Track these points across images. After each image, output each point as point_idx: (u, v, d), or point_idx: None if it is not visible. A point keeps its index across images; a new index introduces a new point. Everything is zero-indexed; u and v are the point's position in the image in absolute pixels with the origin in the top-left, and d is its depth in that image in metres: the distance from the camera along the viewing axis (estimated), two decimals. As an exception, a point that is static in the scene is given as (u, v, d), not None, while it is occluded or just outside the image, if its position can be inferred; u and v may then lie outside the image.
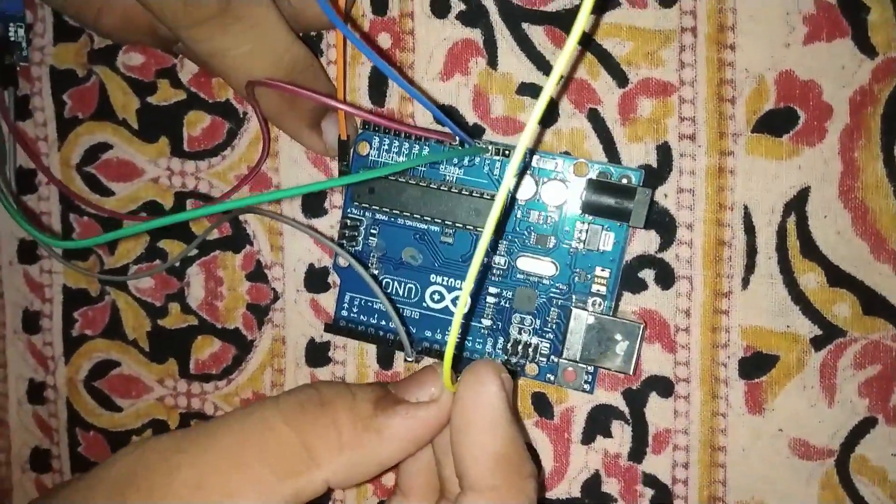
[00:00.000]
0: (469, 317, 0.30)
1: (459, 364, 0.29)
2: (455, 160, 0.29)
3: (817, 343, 0.28)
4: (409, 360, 0.27)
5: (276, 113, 0.29)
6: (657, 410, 0.29)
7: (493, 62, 0.29)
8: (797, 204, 0.28)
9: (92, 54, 0.33)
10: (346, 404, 0.23)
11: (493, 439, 0.22)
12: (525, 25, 0.29)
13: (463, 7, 0.29)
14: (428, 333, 0.30)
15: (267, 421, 0.22)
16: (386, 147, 0.30)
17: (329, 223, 0.31)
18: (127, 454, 0.22)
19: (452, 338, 0.20)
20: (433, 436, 0.24)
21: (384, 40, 0.30)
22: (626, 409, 0.30)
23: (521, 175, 0.29)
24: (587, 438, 0.30)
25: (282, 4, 0.27)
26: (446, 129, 0.27)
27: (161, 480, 0.21)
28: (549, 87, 0.16)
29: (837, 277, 0.28)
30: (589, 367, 0.29)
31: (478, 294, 0.30)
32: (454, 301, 0.30)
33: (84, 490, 0.22)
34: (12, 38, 0.33)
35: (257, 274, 0.32)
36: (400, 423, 0.23)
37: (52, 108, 0.34)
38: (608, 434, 0.30)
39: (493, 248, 0.29)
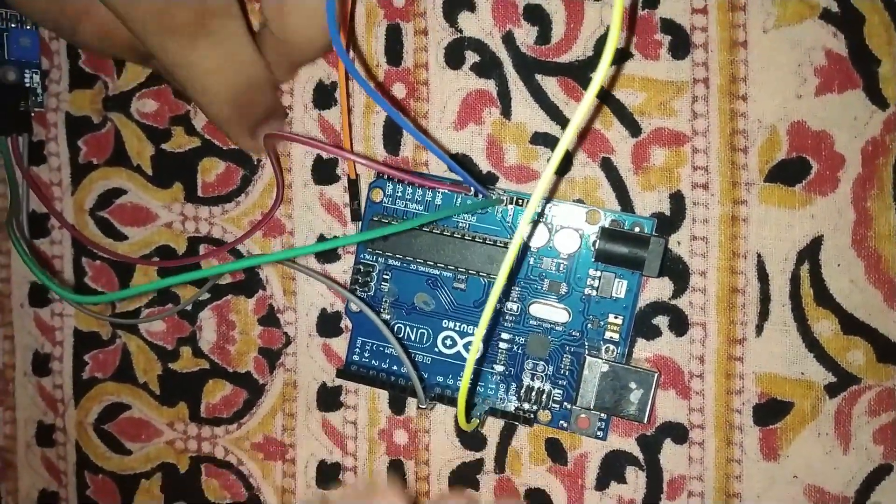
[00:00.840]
0: (481, 363, 0.30)
1: (472, 409, 0.29)
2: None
3: (832, 390, 0.28)
4: (423, 407, 0.27)
5: (225, 119, 0.29)
6: (672, 456, 0.29)
7: (506, 112, 0.30)
8: (810, 252, 0.28)
9: (107, 101, 0.33)
10: None
11: None
12: (539, 77, 0.29)
13: (477, 59, 0.30)
14: (440, 379, 0.30)
15: None
16: (399, 194, 0.30)
17: (342, 268, 0.32)
18: None
19: (465, 381, 0.20)
20: None
21: (399, 90, 0.30)
22: (640, 455, 0.29)
23: (534, 223, 0.29)
24: (601, 485, 0.30)
25: (264, 35, 0.28)
26: (459, 179, 0.27)
27: None
28: (566, 139, 0.17)
29: (851, 325, 0.28)
30: (602, 415, 0.29)
31: (490, 339, 0.30)
32: (466, 346, 0.30)
33: None
34: (28, 84, 0.34)
35: (270, 318, 0.32)
36: None
37: (67, 154, 0.34)
38: (622, 480, 0.30)
39: (505, 295, 0.29)
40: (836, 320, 0.28)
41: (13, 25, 0.33)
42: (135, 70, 0.33)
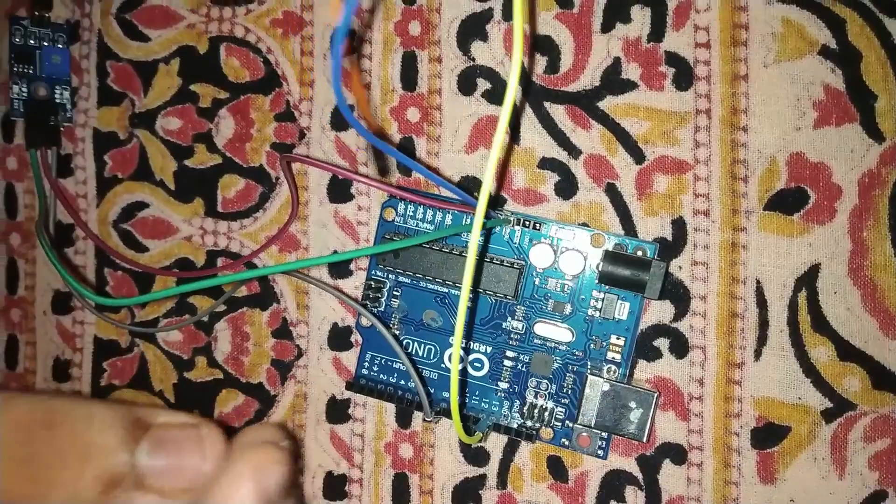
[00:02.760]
0: (487, 379, 0.31)
1: (468, 421, 0.30)
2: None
3: (828, 416, 0.29)
4: (429, 419, 0.28)
5: None
6: (670, 477, 0.30)
7: (515, 137, 0.31)
8: (808, 280, 0.29)
9: (133, 118, 0.35)
10: (70, 478, 0.21)
11: None
12: (547, 104, 0.30)
13: (488, 86, 0.31)
14: (446, 394, 0.31)
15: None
16: (411, 214, 0.31)
17: (354, 284, 0.33)
18: None
19: (454, 392, 0.21)
20: None
21: (413, 114, 0.32)
22: (639, 475, 0.30)
23: (540, 244, 0.30)
24: (601, 503, 0.30)
25: None
26: (466, 200, 0.29)
27: None
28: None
29: (848, 352, 0.29)
30: (603, 433, 0.29)
31: (495, 356, 0.30)
32: (473, 363, 0.31)
33: None
34: (58, 100, 0.35)
35: (283, 331, 0.33)
36: None
37: (94, 168, 0.35)
38: (622, 499, 0.30)
39: (510, 314, 0.30)
40: (832, 347, 0.29)
41: (45, 44, 0.35)
42: (161, 89, 0.34)
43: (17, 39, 0.35)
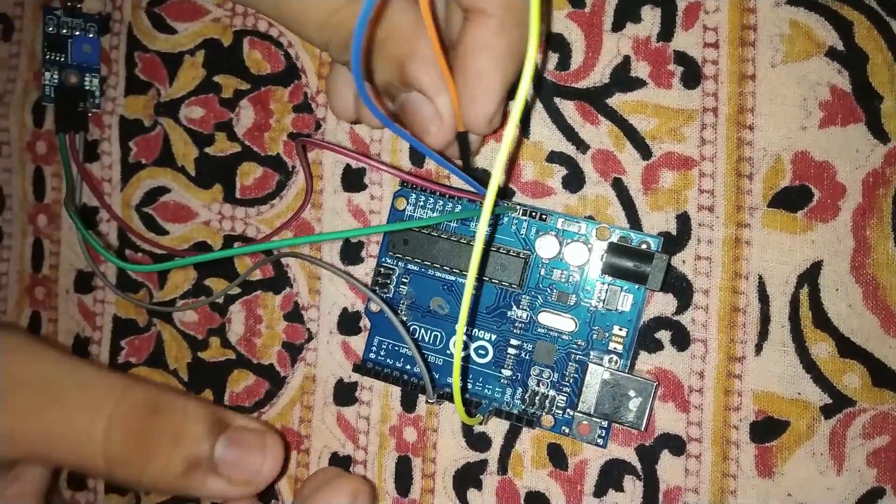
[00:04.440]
0: (490, 366, 0.31)
1: (471, 405, 0.30)
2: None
3: (827, 411, 0.29)
4: (431, 401, 0.29)
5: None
6: (669, 468, 0.30)
7: (525, 131, 0.32)
8: (810, 276, 0.29)
9: (158, 107, 0.36)
10: (164, 455, 0.26)
11: None
12: (557, 100, 0.31)
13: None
14: (450, 380, 0.31)
15: (87, 430, 0.26)
16: (422, 203, 0.32)
17: (364, 271, 0.33)
18: None
19: (456, 368, 0.22)
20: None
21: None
22: (638, 465, 0.31)
23: (547, 235, 0.30)
24: (599, 492, 0.31)
25: None
26: (475, 190, 0.29)
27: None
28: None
29: (848, 349, 0.29)
30: (603, 422, 0.30)
31: (499, 344, 0.31)
32: (477, 350, 0.31)
33: None
34: (87, 87, 0.37)
35: (294, 314, 0.34)
36: (202, 493, 0.27)
37: (119, 153, 0.37)
38: (620, 489, 0.31)
39: (515, 303, 0.31)
40: (833, 343, 0.29)
41: (77, 33, 0.36)
42: (186, 79, 0.36)
43: (51, 29, 0.36)
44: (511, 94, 0.26)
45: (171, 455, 0.27)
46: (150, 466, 0.26)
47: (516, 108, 0.19)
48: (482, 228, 0.20)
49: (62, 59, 0.36)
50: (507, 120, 0.28)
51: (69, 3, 0.37)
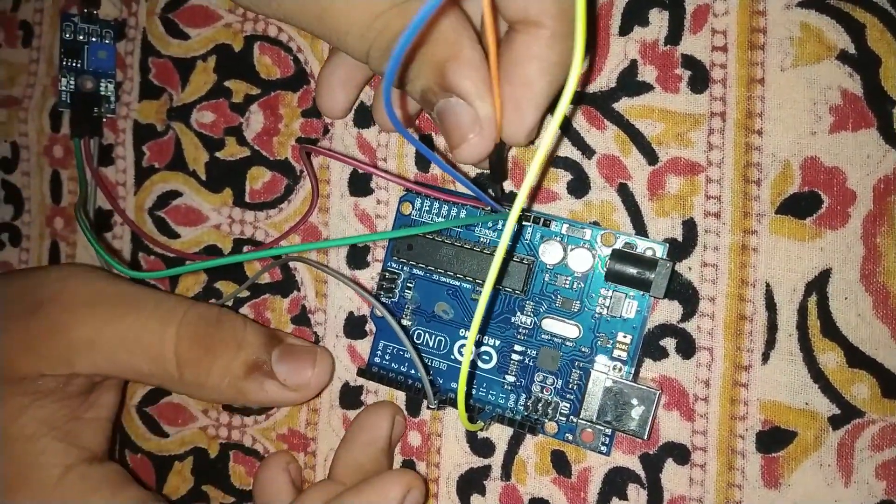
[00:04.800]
0: (494, 372, 0.31)
1: (473, 411, 0.30)
2: (490, 223, 0.31)
3: (835, 422, 0.28)
4: (432, 407, 0.29)
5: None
6: (673, 477, 0.30)
7: (530, 135, 0.31)
8: (819, 284, 0.29)
9: (171, 111, 0.37)
10: (227, 357, 0.30)
11: (363, 454, 0.30)
12: (561, 103, 0.31)
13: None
14: (454, 385, 0.32)
15: (160, 333, 0.30)
16: (427, 208, 0.32)
17: (370, 275, 0.34)
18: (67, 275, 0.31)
19: (463, 377, 0.22)
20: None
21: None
22: (642, 474, 0.30)
23: (550, 240, 0.30)
24: (603, 500, 0.31)
25: None
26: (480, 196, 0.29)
27: (63, 320, 0.30)
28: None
29: (857, 359, 0.28)
30: (607, 430, 0.30)
31: (503, 350, 0.31)
32: (481, 355, 0.31)
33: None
34: (102, 93, 0.37)
35: (301, 318, 0.35)
36: (259, 395, 0.31)
37: (133, 157, 0.37)
38: (624, 497, 0.31)
39: (520, 308, 0.31)
40: (841, 353, 0.28)
41: (94, 39, 0.37)
42: (197, 84, 0.36)
43: (68, 35, 0.37)
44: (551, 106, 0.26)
45: (234, 358, 0.30)
46: (214, 367, 0.30)
47: (555, 120, 0.19)
48: (501, 249, 0.20)
49: (79, 66, 0.37)
50: (541, 132, 0.28)
51: (86, 10, 0.37)
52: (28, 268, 0.38)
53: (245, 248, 0.35)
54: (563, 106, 0.19)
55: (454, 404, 0.31)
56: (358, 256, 0.34)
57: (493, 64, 0.22)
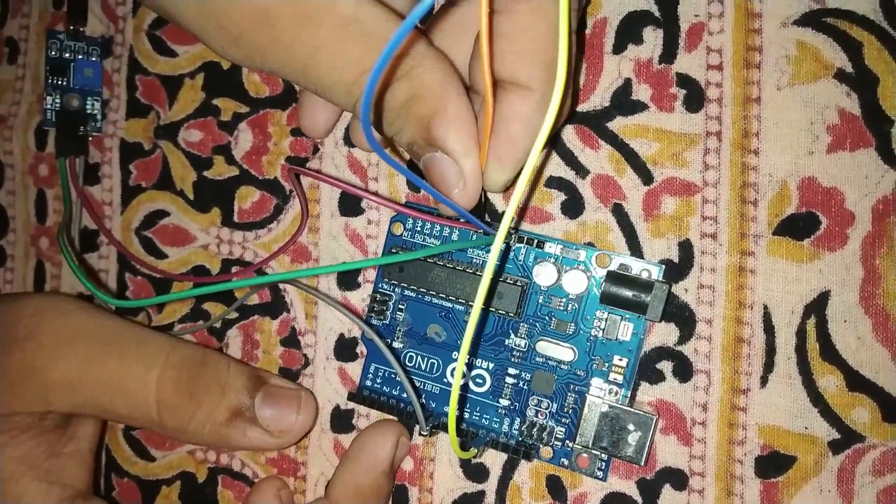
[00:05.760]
0: (488, 396, 0.31)
1: (466, 436, 0.30)
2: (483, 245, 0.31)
3: (835, 447, 0.28)
4: (424, 433, 0.28)
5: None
6: (670, 503, 0.29)
7: (523, 155, 0.31)
8: (817, 307, 0.28)
9: (158, 130, 0.36)
10: (210, 404, 0.29)
11: (364, 476, 0.30)
12: (554, 123, 0.31)
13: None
14: (447, 408, 0.31)
15: (142, 378, 0.29)
16: (418, 229, 0.31)
17: (361, 296, 0.33)
18: (38, 307, 0.30)
19: (452, 408, 0.21)
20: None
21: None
22: (639, 500, 0.30)
23: (545, 262, 0.30)
24: (600, 526, 0.30)
25: None
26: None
27: (42, 359, 0.29)
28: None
29: (857, 382, 0.28)
30: (603, 455, 0.29)
31: (497, 373, 0.31)
32: (474, 378, 0.31)
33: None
34: (89, 111, 0.37)
35: (291, 340, 0.34)
36: (241, 441, 0.30)
37: (119, 176, 0.37)
38: (621, 524, 0.30)
39: (513, 331, 0.30)
40: (841, 376, 0.28)
41: (80, 57, 0.37)
42: (185, 102, 0.36)
43: (53, 53, 0.36)
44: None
45: (217, 403, 0.30)
46: (197, 414, 0.29)
47: (528, 166, 0.19)
48: (488, 271, 0.20)
49: (64, 83, 0.36)
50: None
51: (72, 27, 0.37)
52: (3, 295, 0.37)
53: (233, 269, 0.35)
54: (533, 160, 0.19)
55: (446, 429, 0.30)
56: (349, 277, 0.33)
57: (486, 128, 0.24)
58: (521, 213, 0.31)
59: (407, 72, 0.24)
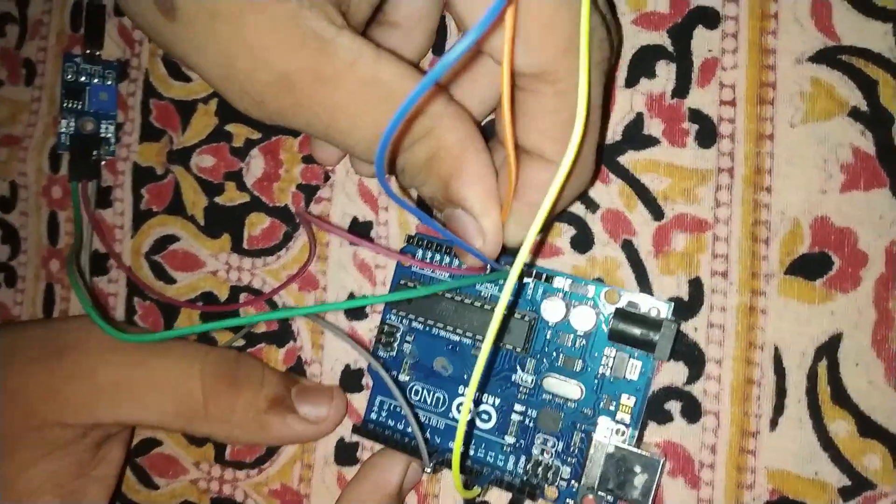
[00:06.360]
0: (493, 432, 0.30)
1: (471, 473, 0.29)
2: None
3: (846, 494, 0.27)
4: (427, 471, 0.28)
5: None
6: (677, 546, 0.29)
7: (532, 189, 0.31)
8: (829, 349, 0.28)
9: (171, 154, 0.36)
10: (251, 392, 0.31)
11: (369, 495, 0.29)
12: (564, 158, 0.30)
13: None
14: (452, 444, 0.31)
15: (186, 371, 0.30)
16: (428, 259, 0.31)
17: (368, 326, 0.33)
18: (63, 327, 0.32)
19: (458, 446, 0.21)
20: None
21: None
22: (645, 542, 0.29)
23: (553, 298, 0.29)
24: (605, 567, 0.30)
25: None
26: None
27: (88, 364, 0.30)
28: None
29: (868, 428, 0.27)
30: (609, 497, 0.29)
31: (503, 409, 0.30)
32: (480, 414, 0.30)
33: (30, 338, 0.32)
34: (103, 135, 0.37)
35: (297, 369, 0.34)
36: (282, 429, 0.31)
37: (131, 200, 0.37)
38: (626, 565, 0.29)
39: (521, 366, 0.30)
40: (852, 421, 0.27)
41: (96, 80, 0.37)
42: (198, 127, 0.36)
43: (69, 76, 0.37)
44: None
45: (257, 392, 0.31)
46: (239, 401, 0.30)
47: (536, 224, 0.19)
48: (500, 308, 0.19)
49: (79, 107, 0.37)
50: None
51: (89, 51, 0.37)
52: (49, 318, 0.38)
53: (242, 296, 0.35)
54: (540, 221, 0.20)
55: (451, 465, 0.30)
56: (356, 308, 0.33)
57: (509, 189, 0.24)
58: (537, 248, 0.31)
59: (426, 132, 0.24)
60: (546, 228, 0.31)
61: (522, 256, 0.19)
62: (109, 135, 0.37)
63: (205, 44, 0.22)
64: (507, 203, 0.25)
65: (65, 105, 0.36)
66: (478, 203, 0.25)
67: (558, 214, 0.30)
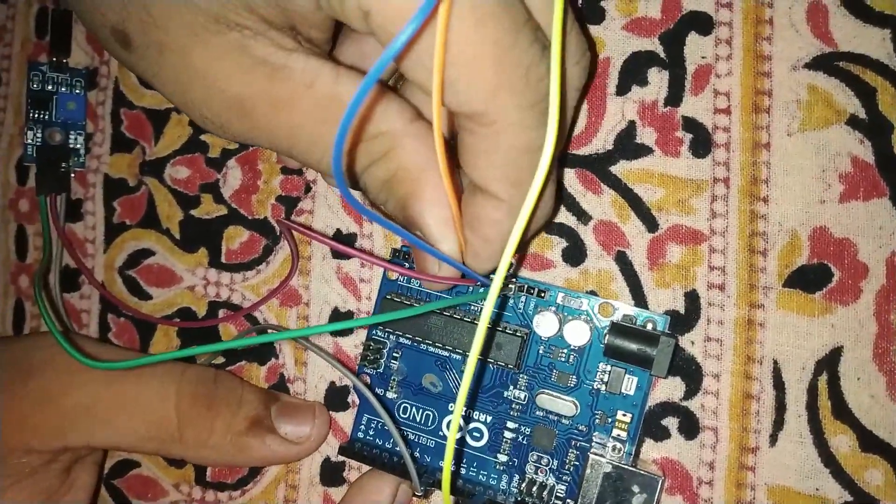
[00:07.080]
0: (485, 451, 0.29)
1: (463, 494, 0.28)
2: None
3: (848, 510, 0.27)
4: (418, 494, 0.27)
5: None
6: (676, 566, 0.28)
7: (523, 200, 0.30)
8: (829, 363, 0.27)
9: (144, 166, 0.35)
10: (229, 413, 0.30)
11: None
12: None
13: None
14: (442, 464, 0.30)
15: (160, 393, 0.29)
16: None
17: (354, 343, 0.32)
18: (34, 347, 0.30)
19: (447, 466, 0.21)
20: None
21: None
22: (643, 562, 0.28)
23: (546, 312, 0.29)
24: (602, 588, 0.29)
25: None
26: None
27: (57, 387, 0.29)
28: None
29: (870, 442, 0.27)
30: (605, 516, 0.28)
31: (495, 427, 0.29)
32: (471, 432, 0.29)
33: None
34: (71, 145, 0.35)
35: (280, 387, 0.33)
36: (262, 450, 0.30)
37: (103, 213, 0.35)
38: (624, 586, 0.29)
39: (513, 383, 0.29)
40: (854, 436, 0.27)
41: (63, 89, 0.35)
42: (171, 137, 0.34)
43: (35, 85, 0.35)
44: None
45: (235, 414, 0.30)
46: (217, 423, 0.29)
47: (507, 252, 0.18)
48: (483, 323, 0.19)
49: (46, 117, 0.35)
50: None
51: (55, 58, 0.35)
52: (18, 335, 0.36)
53: (220, 312, 0.33)
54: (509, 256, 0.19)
55: (441, 486, 0.29)
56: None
57: (454, 218, 0.24)
58: (521, 259, 0.30)
59: (385, 152, 0.23)
60: (520, 249, 0.30)
61: (496, 288, 0.18)
62: (79, 146, 0.35)
63: (159, 72, 0.22)
64: (459, 234, 0.24)
65: (31, 115, 0.35)
66: (435, 228, 0.24)
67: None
